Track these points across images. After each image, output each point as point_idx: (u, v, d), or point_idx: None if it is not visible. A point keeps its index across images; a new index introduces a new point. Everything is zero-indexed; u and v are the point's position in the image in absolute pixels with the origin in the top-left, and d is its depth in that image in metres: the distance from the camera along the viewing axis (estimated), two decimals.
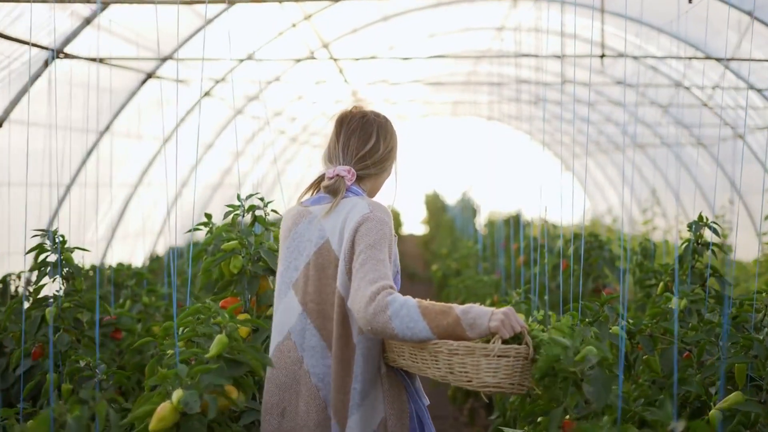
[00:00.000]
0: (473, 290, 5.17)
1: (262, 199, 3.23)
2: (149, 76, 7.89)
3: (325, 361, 2.53)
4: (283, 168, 14.57)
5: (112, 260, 8.80)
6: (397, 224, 18.30)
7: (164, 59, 7.60)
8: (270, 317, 3.12)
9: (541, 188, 4.36)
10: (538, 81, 8.47)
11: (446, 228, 11.13)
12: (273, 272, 3.10)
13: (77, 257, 3.48)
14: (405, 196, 18.70)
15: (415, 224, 19.36)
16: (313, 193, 2.70)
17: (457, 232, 9.66)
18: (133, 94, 7.89)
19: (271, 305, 3.12)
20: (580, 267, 3.99)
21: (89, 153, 7.79)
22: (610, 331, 2.95)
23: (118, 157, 8.48)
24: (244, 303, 3.10)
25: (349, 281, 2.46)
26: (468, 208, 10.52)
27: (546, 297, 3.74)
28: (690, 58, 7.03)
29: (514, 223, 7.65)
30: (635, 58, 7.24)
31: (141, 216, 9.51)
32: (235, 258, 3.08)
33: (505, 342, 2.32)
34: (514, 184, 11.80)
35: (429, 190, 18.20)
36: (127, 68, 7.31)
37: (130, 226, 9.54)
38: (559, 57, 7.81)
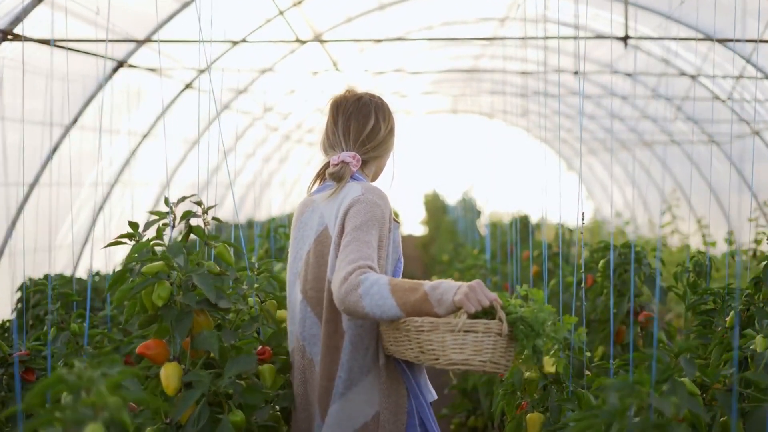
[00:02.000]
0: None
1: (200, 203, 2.32)
2: (120, 64, 6.98)
3: None
4: (277, 167, 13.66)
5: (88, 267, 7.91)
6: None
7: (138, 42, 6.69)
8: (208, 364, 2.29)
9: (546, 188, 3.59)
10: (545, 70, 7.56)
11: (447, 231, 10.19)
12: (212, 305, 2.20)
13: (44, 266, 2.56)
14: (404, 196, 17.78)
15: (414, 225, 18.45)
16: (319, 182, 2.62)
17: (459, 236, 8.71)
18: (102, 85, 6.98)
19: (209, 350, 2.22)
20: (611, 284, 3.06)
21: (54, 149, 6.88)
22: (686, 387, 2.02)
23: (91, 154, 7.58)
24: (173, 347, 2.20)
25: None
26: (470, 209, 9.59)
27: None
28: (719, 40, 6.13)
29: (522, 226, 6.74)
30: (658, 39, 6.33)
31: (119, 218, 8.61)
32: (160, 285, 2.17)
33: (475, 317, 2.18)
34: (517, 183, 10.84)
35: (428, 190, 17.27)
36: (94, 55, 6.39)
37: (111, 228, 8.64)
38: (575, 37, 6.89)
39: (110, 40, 5.85)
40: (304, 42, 6.70)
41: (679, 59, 8.93)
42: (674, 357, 2.01)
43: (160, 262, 2.18)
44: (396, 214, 2.56)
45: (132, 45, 6.90)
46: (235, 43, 7.69)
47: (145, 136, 8.47)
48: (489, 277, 4.68)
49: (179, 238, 2.28)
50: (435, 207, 14.82)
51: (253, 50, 8.85)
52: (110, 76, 6.96)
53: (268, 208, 12.97)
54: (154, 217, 2.26)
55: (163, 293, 2.16)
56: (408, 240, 16.75)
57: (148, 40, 6.73)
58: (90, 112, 7.04)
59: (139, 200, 9.16)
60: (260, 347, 2.53)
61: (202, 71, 8.32)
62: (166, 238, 2.28)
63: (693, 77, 8.76)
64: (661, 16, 7.47)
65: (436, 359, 2.18)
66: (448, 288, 2.19)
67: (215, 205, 2.33)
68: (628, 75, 10.09)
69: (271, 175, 13.55)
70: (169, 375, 2.15)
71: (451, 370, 2.21)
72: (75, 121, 6.91)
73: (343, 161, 2.49)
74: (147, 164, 8.92)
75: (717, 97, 8.92)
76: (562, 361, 2.61)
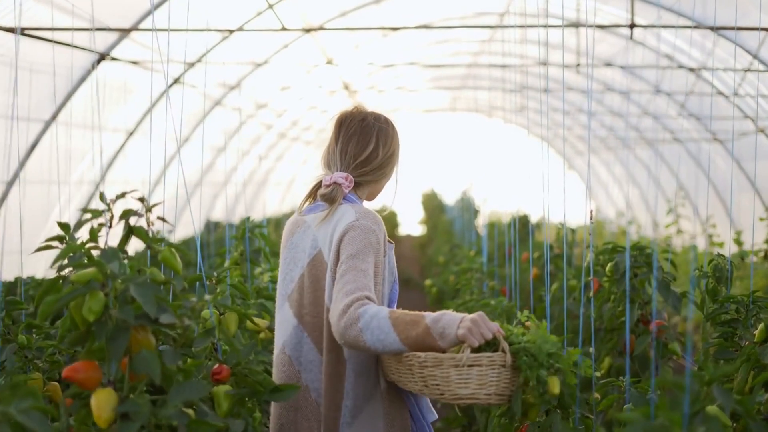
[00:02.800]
0: None
1: (142, 200, 1.95)
2: (103, 57, 6.62)
3: None
4: (272, 166, 13.29)
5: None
6: (394, 225, 16.98)
7: (122, 31, 6.33)
8: (155, 389, 1.94)
9: (547, 185, 3.34)
10: (546, 62, 7.19)
11: (444, 231, 9.79)
12: (153, 320, 1.84)
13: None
14: (402, 196, 17.39)
15: (413, 225, 18.08)
16: (310, 202, 2.56)
17: (456, 236, 8.32)
18: (84, 78, 6.61)
19: (149, 373, 1.86)
20: (621, 289, 2.69)
21: (34, 145, 6.52)
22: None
23: (74, 151, 7.22)
24: (108, 370, 1.84)
25: None
26: (468, 209, 9.19)
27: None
28: (719, 28, 5.75)
29: (521, 226, 6.37)
30: (667, 27, 5.97)
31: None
32: (92, 297, 1.81)
33: (479, 350, 2.13)
34: (516, 181, 10.46)
35: (427, 189, 16.89)
36: (74, 47, 6.03)
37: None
38: (583, 25, 6.53)
39: (92, 29, 5.48)
40: (291, 30, 6.32)
41: (683, 55, 8.56)
42: (705, 385, 1.64)
43: (92, 269, 1.82)
44: (390, 234, 2.44)
45: (114, 36, 6.54)
46: (230, 32, 7.33)
47: (131, 134, 8.11)
48: (485, 281, 4.30)
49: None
50: (433, 206, 14.44)
51: (245, 44, 8.50)
52: (92, 69, 6.59)
53: (263, 207, 12.61)
54: (88, 215, 1.89)
55: (95, 306, 1.80)
56: (406, 240, 16.38)
57: (134, 28, 6.36)
58: (71, 107, 6.67)
59: (127, 200, 8.78)
60: (216, 366, 2.17)
61: (191, 65, 7.96)
62: (102, 241, 1.91)
63: (694, 70, 8.39)
64: (663, 9, 7.10)
65: (441, 394, 2.13)
66: (450, 321, 2.13)
67: (160, 203, 1.97)
68: (630, 70, 9.73)
69: (267, 174, 13.19)
70: (101, 404, 1.79)
71: (457, 404, 2.16)
72: (54, 117, 6.54)
73: (335, 182, 2.44)
74: (135, 162, 8.56)
75: (720, 93, 8.55)
76: (572, 380, 2.28)
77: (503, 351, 2.12)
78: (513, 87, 12.05)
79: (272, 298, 3.41)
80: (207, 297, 2.08)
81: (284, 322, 2.46)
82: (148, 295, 1.79)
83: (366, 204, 2.54)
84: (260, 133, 11.69)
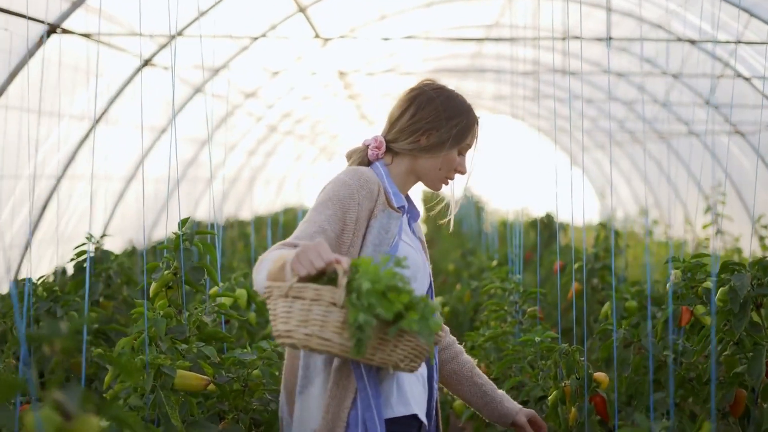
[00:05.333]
0: (515, 361, 2.71)
1: None
2: (53, 29, 5.48)
3: None
4: (263, 161, 12.15)
5: (34, 272, 6.43)
6: None
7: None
8: None
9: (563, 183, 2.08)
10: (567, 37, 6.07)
11: (450, 233, 8.61)
12: None
13: None
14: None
15: None
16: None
17: (465, 238, 7.15)
18: (31, 53, 5.47)
19: None
20: (744, 326, 1.56)
21: None
22: None
23: (25, 140, 6.08)
24: None
25: None
26: (477, 208, 8.04)
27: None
28: None
29: (542, 227, 5.22)
30: None
31: (68, 217, 7.11)
32: None
33: (316, 281, 1.78)
34: (522, 179, 9.30)
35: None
36: (14, 14, 4.89)
37: (66, 227, 7.16)
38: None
39: None
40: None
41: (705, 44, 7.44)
42: None
43: None
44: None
45: (67, 3, 5.40)
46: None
47: (97, 121, 6.96)
48: (520, 305, 3.11)
49: None
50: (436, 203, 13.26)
51: (227, 24, 7.37)
52: (39, 44, 5.45)
53: (252, 206, 11.47)
54: None
55: None
56: None
57: None
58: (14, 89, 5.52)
59: (100, 197, 7.67)
60: None
61: (162, 47, 6.83)
62: None
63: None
64: None
65: (276, 332, 1.84)
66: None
67: None
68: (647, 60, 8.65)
69: (257, 171, 12.05)
70: None
71: (282, 344, 1.84)
72: None
73: (364, 143, 2.28)
74: (105, 155, 7.43)
75: (740, 75, 7.43)
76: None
77: (340, 286, 1.74)
78: (519, 80, 10.92)
79: (222, 338, 2.28)
80: None
81: None
82: None
83: (405, 181, 2.24)
84: (249, 125, 10.54)
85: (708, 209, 6.83)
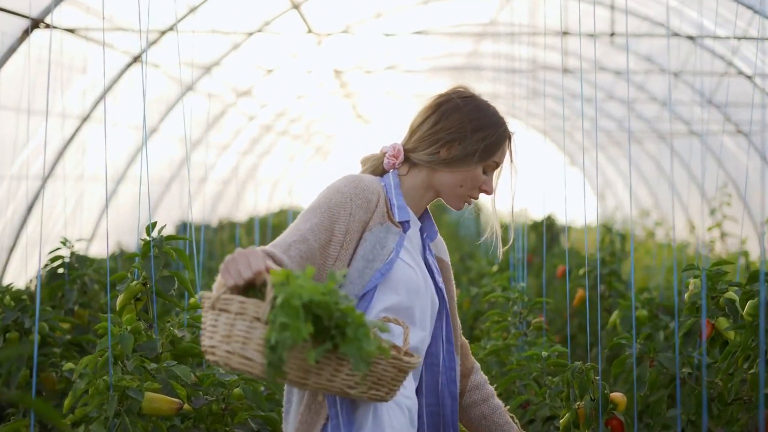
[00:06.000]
0: (520, 377, 2.50)
1: None
2: (36, 23, 5.25)
3: None
4: (257, 162, 11.92)
5: (20, 277, 6.20)
6: None
7: None
8: None
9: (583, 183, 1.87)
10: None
11: (447, 235, 8.42)
12: None
13: None
14: None
15: None
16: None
17: (462, 241, 6.94)
18: (13, 49, 5.24)
19: None
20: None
21: None
22: None
23: (9, 139, 5.86)
24: None
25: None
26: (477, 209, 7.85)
27: None
28: None
29: (544, 230, 4.97)
30: None
31: (54, 219, 6.88)
32: None
33: (247, 293, 1.62)
34: (521, 180, 9.06)
35: None
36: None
37: (51, 230, 6.92)
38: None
39: None
40: None
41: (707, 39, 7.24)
42: None
43: None
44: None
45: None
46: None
47: (84, 120, 6.73)
48: (524, 315, 2.89)
49: None
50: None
51: (220, 21, 7.15)
52: (22, 39, 5.22)
53: (245, 207, 11.25)
54: None
55: None
56: None
57: None
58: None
59: (88, 199, 7.43)
60: None
61: (152, 43, 6.61)
62: None
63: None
64: None
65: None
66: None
67: None
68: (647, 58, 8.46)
69: (251, 171, 11.82)
70: None
71: (208, 361, 1.62)
72: None
73: (381, 150, 2.10)
74: (93, 155, 7.20)
75: (741, 73, 7.23)
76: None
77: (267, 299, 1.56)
78: (519, 80, 10.73)
79: (198, 354, 2.06)
80: None
81: None
82: None
83: (420, 195, 2.03)
84: (242, 124, 10.31)
85: (713, 211, 6.61)
